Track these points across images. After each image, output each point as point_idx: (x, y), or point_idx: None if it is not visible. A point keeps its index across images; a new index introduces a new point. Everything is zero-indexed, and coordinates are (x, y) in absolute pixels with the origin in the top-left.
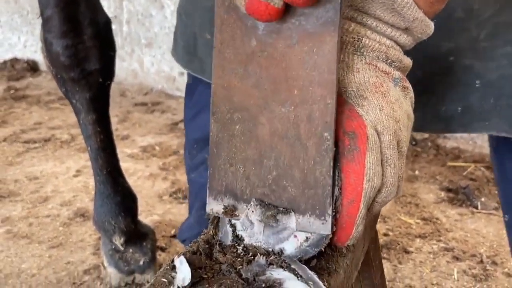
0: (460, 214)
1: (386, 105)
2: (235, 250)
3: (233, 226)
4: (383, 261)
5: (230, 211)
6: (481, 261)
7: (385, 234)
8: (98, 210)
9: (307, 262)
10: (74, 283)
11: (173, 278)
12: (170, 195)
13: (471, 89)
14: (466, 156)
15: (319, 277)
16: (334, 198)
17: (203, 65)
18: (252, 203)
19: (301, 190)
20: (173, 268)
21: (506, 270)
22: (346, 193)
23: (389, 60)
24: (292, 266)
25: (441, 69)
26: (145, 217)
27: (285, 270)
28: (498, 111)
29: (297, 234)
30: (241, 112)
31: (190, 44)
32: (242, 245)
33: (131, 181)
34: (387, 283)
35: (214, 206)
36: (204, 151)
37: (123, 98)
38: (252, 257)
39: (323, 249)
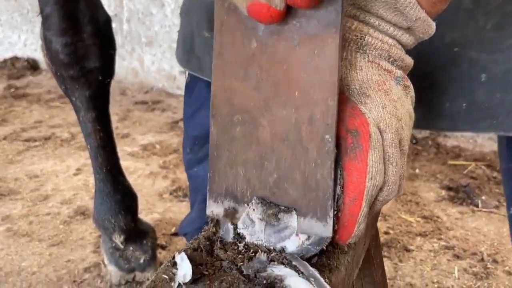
0: (460, 213)
1: (388, 103)
2: (236, 247)
3: (234, 224)
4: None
5: (231, 214)
6: (482, 259)
7: (386, 233)
8: (98, 208)
9: (308, 259)
10: (74, 281)
11: (174, 274)
12: (171, 193)
13: (477, 84)
14: (467, 154)
15: (320, 274)
16: (336, 196)
17: (201, 63)
18: (253, 201)
19: (302, 193)
20: (174, 265)
21: (506, 268)
22: (348, 192)
23: (391, 59)
24: (293, 263)
25: (445, 62)
26: (145, 215)
27: (286, 267)
28: (505, 107)
29: (298, 233)
30: (241, 114)
31: (187, 43)
32: (243, 243)
33: (131, 179)
34: (387, 281)
35: (214, 209)
36: (206, 146)
37: (123, 96)
38: (253, 254)
39: (324, 247)
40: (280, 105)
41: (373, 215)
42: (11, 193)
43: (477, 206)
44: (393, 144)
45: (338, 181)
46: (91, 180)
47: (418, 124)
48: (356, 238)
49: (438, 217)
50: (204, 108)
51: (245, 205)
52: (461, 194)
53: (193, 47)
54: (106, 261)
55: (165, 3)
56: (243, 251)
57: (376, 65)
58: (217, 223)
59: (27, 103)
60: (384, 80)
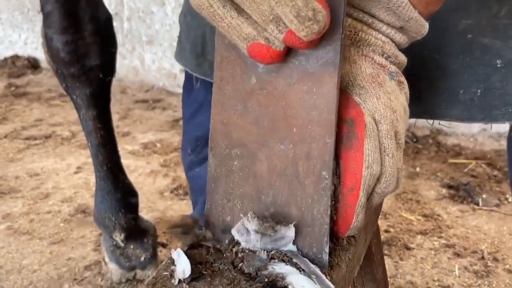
0: (461, 211)
1: (383, 95)
2: (235, 249)
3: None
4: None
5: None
6: (482, 258)
7: (386, 231)
8: (98, 206)
9: None
10: (75, 279)
11: (174, 272)
12: (171, 192)
13: (492, 69)
14: (467, 153)
15: (321, 271)
16: (333, 187)
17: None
18: (248, 216)
19: (298, 228)
20: (174, 262)
21: (507, 266)
22: (345, 181)
23: (385, 55)
24: (294, 260)
25: (459, 49)
26: (146, 214)
27: (287, 264)
28: None
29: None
30: (239, 148)
31: (198, 47)
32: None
33: (132, 177)
34: (388, 279)
35: (211, 241)
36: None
37: (124, 95)
38: (253, 253)
39: None
40: (278, 140)
41: (374, 212)
42: (12, 191)
43: (477, 204)
44: (389, 136)
45: (335, 171)
46: (92, 178)
47: (432, 114)
48: (355, 230)
49: (438, 215)
50: (204, 108)
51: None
52: (461, 193)
53: (205, 51)
54: (106, 259)
55: (166, 1)
56: (241, 251)
57: (370, 59)
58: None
59: (27, 101)
60: (378, 73)
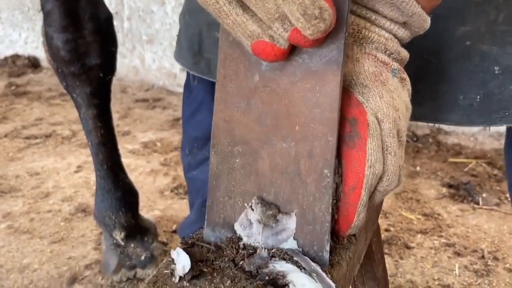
0: (461, 210)
1: (385, 94)
2: (235, 246)
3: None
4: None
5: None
6: (483, 257)
7: (387, 230)
8: (98, 205)
9: None
10: (75, 278)
11: (174, 270)
12: (171, 191)
13: (490, 76)
14: (467, 152)
15: (322, 269)
16: (335, 185)
17: (210, 65)
18: (253, 201)
19: (299, 226)
20: (174, 261)
21: (507, 265)
22: (348, 180)
23: (388, 52)
24: (295, 258)
25: (457, 55)
26: (146, 213)
27: (288, 263)
28: None
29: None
30: (242, 146)
31: (195, 45)
32: (242, 242)
33: (132, 176)
34: (388, 278)
35: (211, 238)
36: (205, 148)
37: (124, 94)
38: (254, 251)
39: None
40: (280, 138)
41: (375, 210)
42: (12, 191)
43: (477, 203)
44: (391, 134)
45: (337, 170)
46: (92, 177)
47: (432, 117)
48: (356, 229)
49: (438, 214)
50: (203, 108)
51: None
52: (461, 192)
53: (201, 49)
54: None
55: (166, 1)
56: (243, 247)
57: (373, 57)
58: None
59: (27, 100)
60: (381, 71)
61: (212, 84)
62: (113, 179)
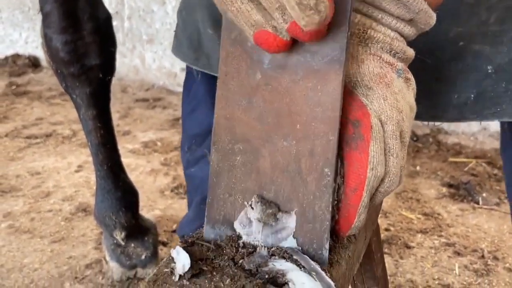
0: (461, 210)
1: (390, 96)
2: (235, 245)
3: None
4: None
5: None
6: (483, 256)
7: (387, 229)
8: (99, 205)
9: None
10: (76, 278)
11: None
12: (172, 190)
13: (483, 75)
14: (467, 151)
15: (321, 268)
16: (336, 186)
17: (210, 60)
18: (253, 199)
19: (299, 224)
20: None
21: (507, 265)
22: (349, 182)
23: (393, 52)
24: (295, 257)
25: (451, 55)
26: (146, 212)
27: (288, 261)
28: (509, 95)
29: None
30: (242, 144)
31: (195, 41)
32: (241, 240)
33: (132, 176)
34: (388, 278)
35: (211, 235)
36: (203, 145)
37: (124, 94)
38: (253, 250)
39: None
40: (281, 136)
41: (374, 210)
42: (13, 190)
43: (477, 203)
44: (394, 136)
45: (339, 171)
46: (93, 177)
47: (427, 116)
48: (356, 230)
49: (438, 214)
50: (202, 105)
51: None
52: (461, 191)
53: (201, 45)
54: (107, 258)
55: (166, 0)
56: (242, 246)
57: (378, 58)
58: None
59: (28, 100)
60: (386, 72)
61: (213, 81)
62: (113, 179)
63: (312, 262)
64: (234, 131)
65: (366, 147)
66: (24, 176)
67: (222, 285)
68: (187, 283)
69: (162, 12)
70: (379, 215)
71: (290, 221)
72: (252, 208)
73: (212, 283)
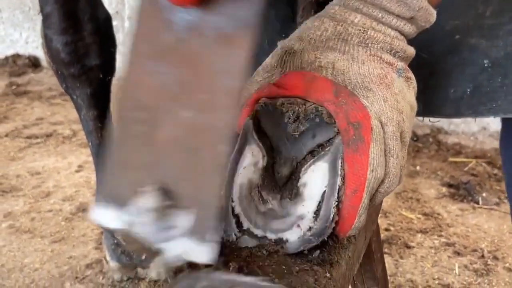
0: (461, 210)
1: (390, 97)
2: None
3: (237, 217)
4: (385, 256)
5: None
6: (482, 256)
7: (387, 229)
8: None
9: (309, 251)
10: (76, 277)
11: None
12: None
13: (480, 69)
14: (467, 151)
15: (321, 268)
16: (337, 188)
17: None
18: (150, 187)
19: (189, 206)
20: None
21: (507, 265)
22: (350, 183)
23: (393, 51)
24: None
25: (447, 49)
26: None
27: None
28: (504, 91)
29: (300, 224)
30: (144, 112)
31: None
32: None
33: None
34: (388, 277)
35: (100, 212)
36: None
37: None
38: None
39: (326, 239)
40: (183, 106)
41: (374, 210)
42: (13, 190)
43: (477, 203)
44: (394, 137)
45: (339, 173)
46: (93, 177)
47: (424, 111)
48: (356, 230)
49: (438, 214)
50: None
51: (129, 215)
52: (461, 191)
53: None
54: (108, 258)
55: None
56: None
57: (378, 59)
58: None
59: (28, 100)
60: (386, 73)
61: None
62: None
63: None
64: (137, 97)
65: (367, 149)
66: (25, 176)
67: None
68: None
69: None
70: (379, 215)
71: (185, 220)
72: (146, 197)
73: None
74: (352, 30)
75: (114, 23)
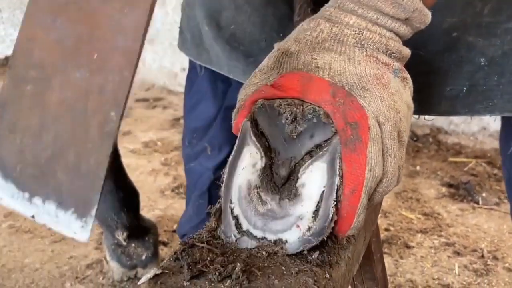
0: (461, 210)
1: (387, 96)
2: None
3: (236, 218)
4: (384, 256)
5: None
6: (482, 256)
7: (387, 229)
8: (100, 205)
9: (308, 251)
10: (76, 278)
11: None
12: (172, 190)
13: (476, 67)
14: (467, 151)
15: (320, 269)
16: (335, 187)
17: (210, 56)
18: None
19: (69, 179)
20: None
21: (507, 265)
22: (348, 183)
23: (389, 52)
24: None
25: (444, 47)
26: (147, 212)
27: None
28: (500, 90)
29: (299, 224)
30: (36, 70)
31: (196, 37)
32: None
33: (133, 176)
34: (388, 277)
35: None
36: (203, 139)
37: None
38: None
39: (325, 238)
40: (76, 66)
41: (373, 210)
42: None
43: (477, 203)
44: (392, 137)
45: (337, 173)
46: None
47: (420, 109)
48: (355, 230)
49: (438, 214)
50: (205, 99)
51: (13, 183)
52: (461, 191)
53: (202, 41)
54: (108, 258)
55: (166, 1)
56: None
57: (374, 59)
58: (219, 215)
59: None
60: (382, 73)
61: (215, 77)
62: (114, 179)
63: None
64: (32, 54)
65: (364, 148)
66: None
67: (222, 286)
68: (187, 284)
69: (162, 12)
70: (379, 215)
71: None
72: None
73: (212, 284)
74: (348, 31)
75: None
